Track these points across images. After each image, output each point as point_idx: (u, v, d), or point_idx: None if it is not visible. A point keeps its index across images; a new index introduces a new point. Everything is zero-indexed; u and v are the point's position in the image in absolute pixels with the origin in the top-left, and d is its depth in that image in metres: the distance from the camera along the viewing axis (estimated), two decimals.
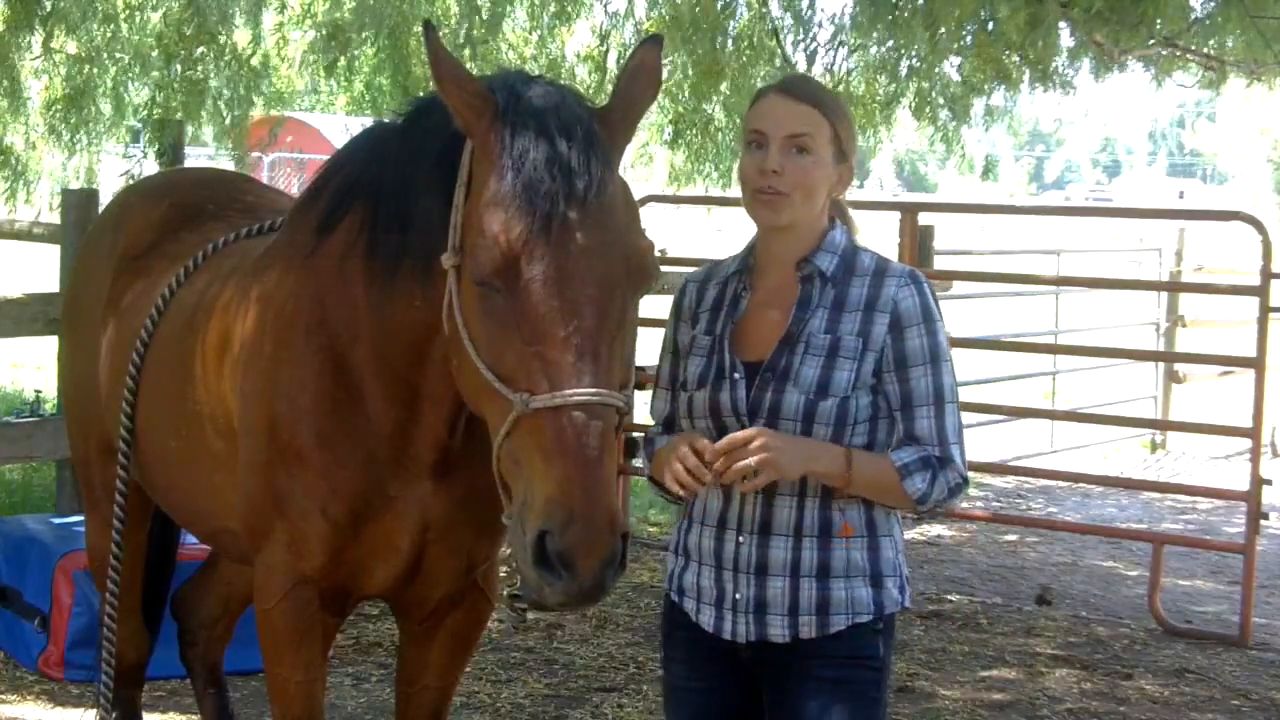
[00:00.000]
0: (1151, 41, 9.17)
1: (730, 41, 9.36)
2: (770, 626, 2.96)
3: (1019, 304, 13.87)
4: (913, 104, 9.79)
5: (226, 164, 10.55)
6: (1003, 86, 9.75)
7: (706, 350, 3.04)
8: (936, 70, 9.22)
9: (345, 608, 3.43)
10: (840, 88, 9.94)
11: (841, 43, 9.67)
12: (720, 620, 3.01)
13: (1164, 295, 12.73)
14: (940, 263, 9.65)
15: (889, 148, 12.93)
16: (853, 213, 3.16)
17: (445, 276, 2.83)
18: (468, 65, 9.01)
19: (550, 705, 5.64)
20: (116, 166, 10.68)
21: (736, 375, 2.97)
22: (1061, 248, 15.29)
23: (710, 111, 10.01)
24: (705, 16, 8.92)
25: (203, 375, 3.56)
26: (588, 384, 2.57)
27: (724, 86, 9.58)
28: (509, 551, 2.66)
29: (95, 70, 9.78)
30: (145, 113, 9.75)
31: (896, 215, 8.52)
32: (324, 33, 9.52)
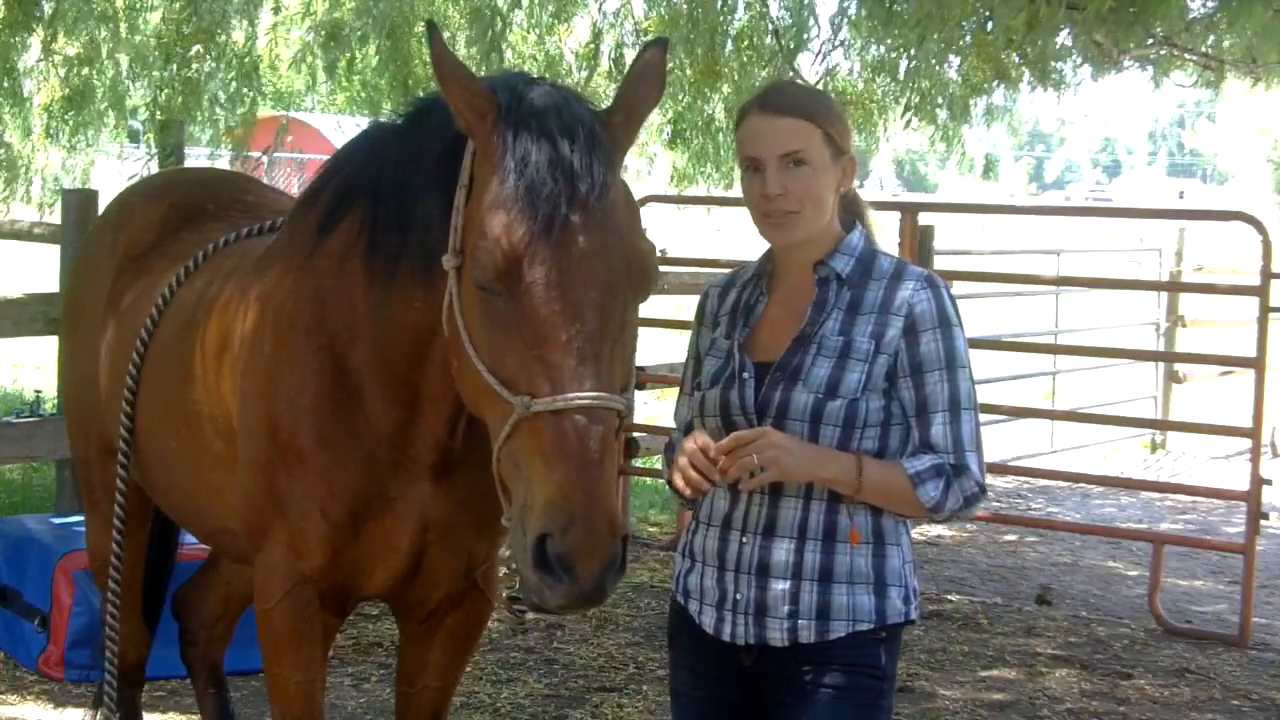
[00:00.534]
0: (1150, 41, 9.17)
1: (730, 41, 9.36)
2: (769, 629, 2.94)
3: (1019, 304, 13.87)
4: (913, 104, 9.79)
5: (224, 164, 10.55)
6: (1002, 86, 9.76)
7: (724, 352, 3.04)
8: (936, 70, 9.21)
9: (345, 608, 3.43)
10: (841, 88, 9.96)
11: (841, 42, 9.67)
12: (720, 622, 2.99)
13: (1164, 295, 12.73)
14: (940, 263, 9.64)
15: (889, 148, 12.92)
16: (871, 210, 3.13)
17: (445, 278, 2.82)
18: (469, 65, 9.03)
19: (550, 705, 5.64)
20: (115, 167, 10.69)
21: (746, 375, 2.97)
22: (1061, 248, 15.30)
23: (711, 112, 10.02)
24: (705, 16, 8.91)
25: (202, 375, 3.56)
26: (589, 387, 2.56)
27: (723, 86, 9.58)
28: (509, 553, 2.66)
29: (94, 71, 9.78)
30: (147, 113, 9.76)
31: (896, 215, 8.52)
32: (324, 33, 9.52)
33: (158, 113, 9.40)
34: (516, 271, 2.61)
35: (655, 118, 10.53)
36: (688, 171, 10.35)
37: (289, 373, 3.22)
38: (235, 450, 3.38)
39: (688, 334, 3.29)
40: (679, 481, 2.85)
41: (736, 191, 9.52)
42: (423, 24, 9.30)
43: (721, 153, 10.20)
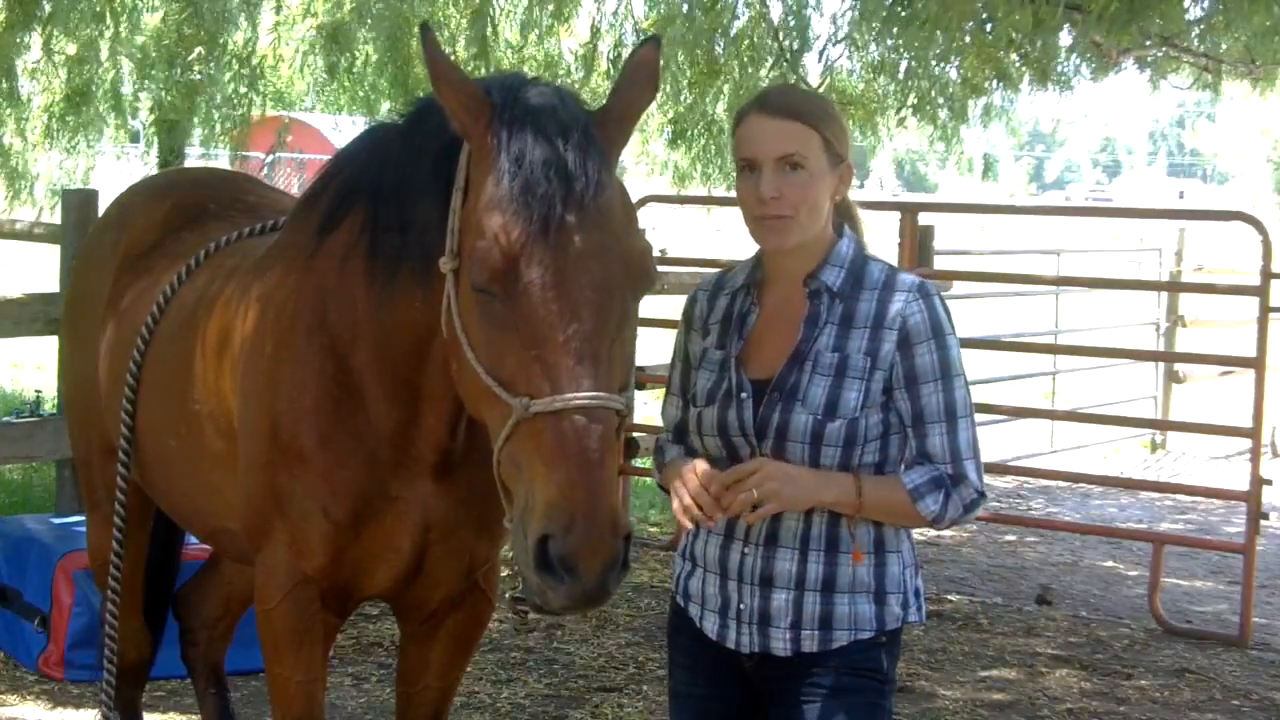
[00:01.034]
0: (1149, 42, 9.17)
1: (730, 41, 9.36)
2: (772, 639, 2.94)
3: (1019, 304, 13.87)
4: (910, 104, 9.80)
5: (224, 164, 10.56)
6: (1001, 86, 9.76)
7: (717, 366, 3.01)
8: (936, 70, 9.21)
9: (346, 608, 3.43)
10: (841, 88, 9.96)
11: (840, 41, 9.67)
12: (724, 629, 3.00)
13: (1164, 295, 12.73)
14: (940, 263, 9.66)
15: (889, 148, 12.93)
16: (861, 212, 3.11)
17: (444, 279, 2.82)
18: (469, 65, 9.02)
19: (550, 705, 5.64)
20: (115, 167, 10.70)
21: (744, 394, 2.94)
22: (1061, 248, 15.30)
23: (711, 112, 10.02)
24: (705, 16, 8.91)
25: (203, 374, 3.56)
26: (588, 387, 2.56)
27: (724, 86, 9.58)
28: (511, 554, 2.65)
29: (94, 71, 9.78)
30: (149, 114, 9.77)
31: (896, 215, 8.52)
32: (324, 34, 9.53)
33: (158, 113, 9.40)
34: (513, 272, 2.60)
35: (656, 118, 10.54)
36: (688, 171, 10.35)
37: (290, 373, 3.22)
38: (236, 450, 3.38)
39: None
40: (682, 518, 2.83)
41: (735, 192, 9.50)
42: (421, 25, 9.33)
43: (723, 153, 10.20)
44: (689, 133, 10.17)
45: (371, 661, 6.03)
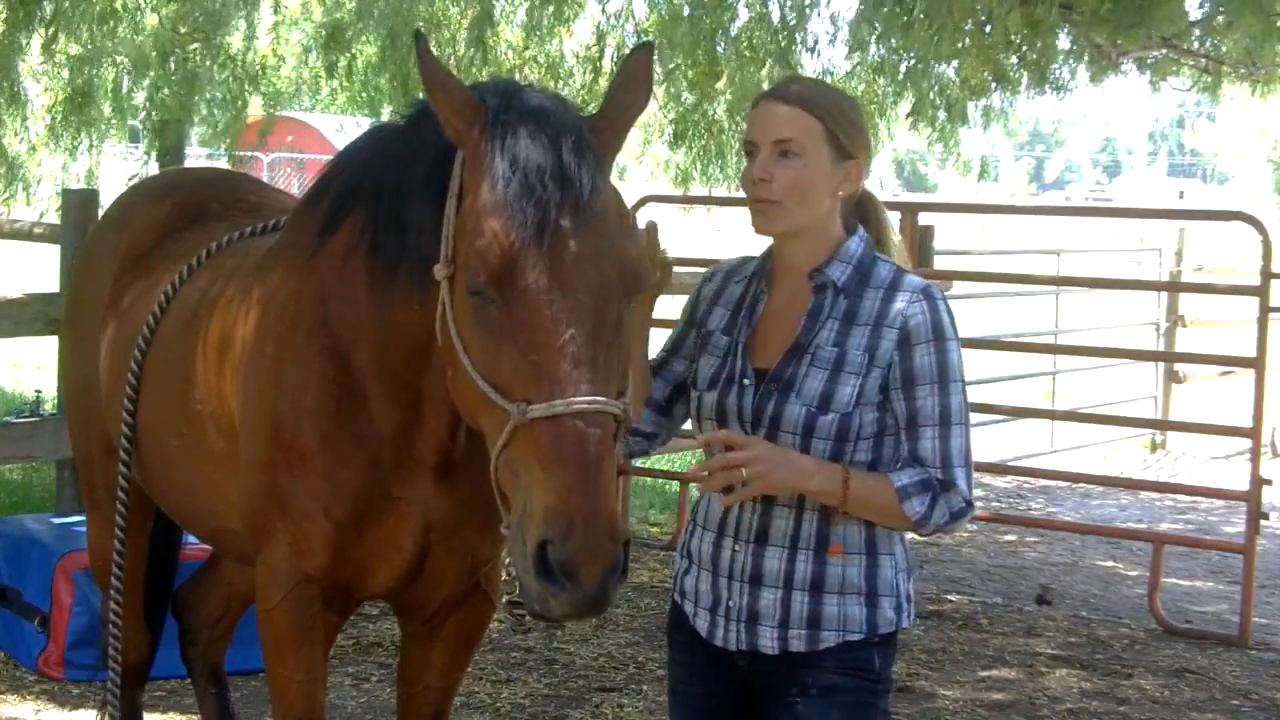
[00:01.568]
0: (1149, 43, 9.18)
1: (730, 42, 9.37)
2: (760, 637, 2.95)
3: (1019, 304, 13.87)
4: (911, 107, 9.81)
5: (223, 164, 10.56)
6: (1000, 88, 9.77)
7: (722, 351, 3.03)
8: (936, 71, 9.22)
9: (347, 608, 3.43)
10: (841, 89, 9.95)
11: (840, 41, 9.69)
12: (714, 626, 3.01)
13: (1164, 295, 12.73)
14: (940, 263, 9.65)
15: (889, 148, 12.94)
16: (885, 214, 3.10)
17: (439, 285, 2.82)
18: (469, 66, 9.01)
19: (550, 705, 5.64)
20: (116, 167, 10.70)
21: (746, 381, 2.95)
22: (1061, 248, 15.29)
23: (712, 113, 10.03)
24: (706, 16, 8.92)
25: (204, 374, 3.56)
26: (585, 392, 2.55)
27: (723, 86, 9.59)
28: (509, 560, 2.65)
29: (95, 72, 9.79)
30: (144, 113, 9.77)
31: (896, 215, 8.52)
32: (324, 33, 9.53)
33: (154, 112, 9.41)
34: (508, 277, 2.60)
35: (658, 118, 10.54)
36: (689, 171, 10.36)
37: (292, 373, 3.22)
38: (237, 450, 3.38)
39: None
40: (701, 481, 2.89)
41: (737, 192, 9.54)
42: (422, 25, 9.33)
43: (724, 153, 10.20)
44: (690, 133, 10.18)
45: (372, 661, 6.03)
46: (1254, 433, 7.28)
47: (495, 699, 5.65)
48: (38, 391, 8.44)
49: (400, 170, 3.02)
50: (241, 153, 11.20)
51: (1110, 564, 8.63)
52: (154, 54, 9.53)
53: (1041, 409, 11.59)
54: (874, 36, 9.07)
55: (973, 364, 11.24)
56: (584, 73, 10.25)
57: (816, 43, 9.64)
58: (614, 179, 2.84)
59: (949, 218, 16.45)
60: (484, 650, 6.01)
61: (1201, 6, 9.33)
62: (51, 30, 9.10)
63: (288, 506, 3.22)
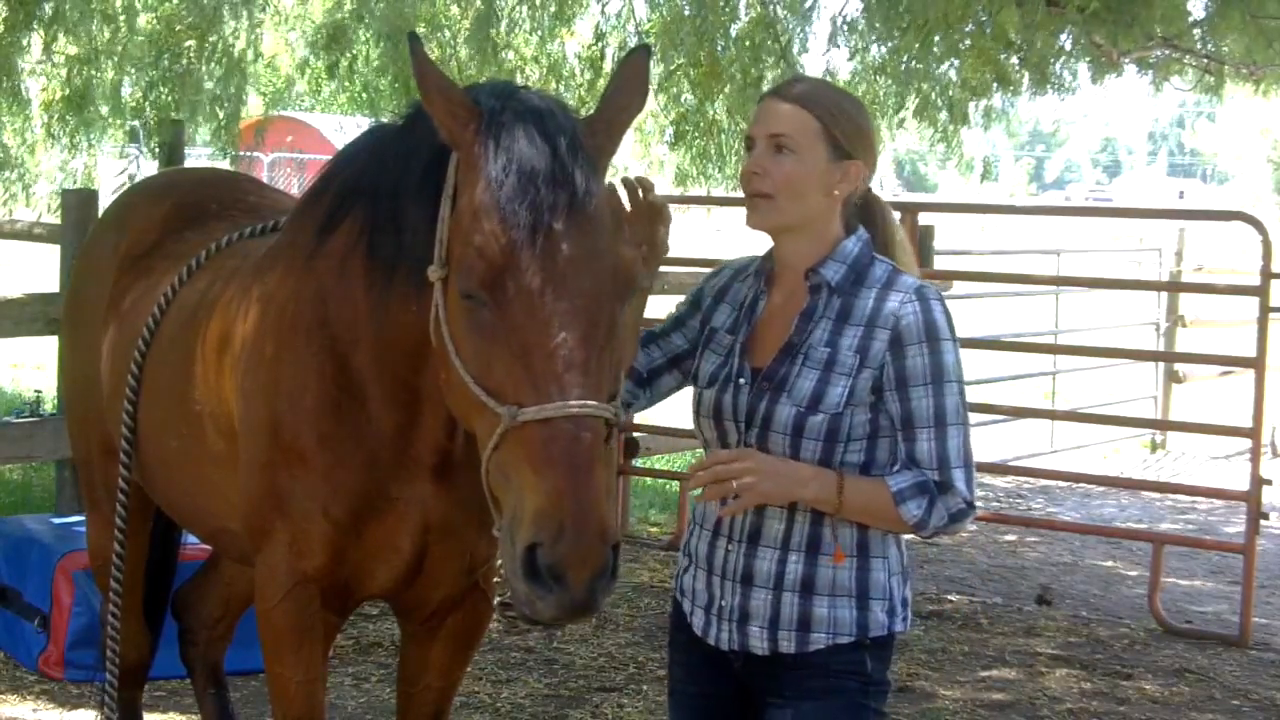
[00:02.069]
0: (1150, 43, 9.18)
1: (731, 42, 9.37)
2: (751, 637, 2.95)
3: (1019, 304, 13.87)
4: (908, 105, 9.81)
5: (221, 163, 10.56)
6: (1000, 89, 9.77)
7: (723, 350, 3.04)
8: (936, 72, 9.22)
9: (347, 608, 3.43)
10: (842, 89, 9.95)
11: (840, 42, 9.68)
12: (708, 625, 3.01)
13: (1164, 295, 12.73)
14: (940, 263, 9.65)
15: (890, 148, 12.95)
16: (890, 215, 3.09)
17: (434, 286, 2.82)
18: (470, 66, 9.01)
19: (550, 705, 5.64)
20: (115, 167, 10.69)
21: (742, 380, 2.96)
22: (1061, 248, 15.29)
23: (712, 113, 10.03)
24: (707, 16, 8.92)
25: (204, 375, 3.56)
26: (577, 395, 2.54)
27: (725, 87, 9.59)
28: (500, 563, 2.65)
29: (94, 71, 9.79)
30: (141, 111, 9.77)
31: (896, 216, 8.51)
32: (325, 34, 9.53)
33: (149, 109, 9.40)
34: (501, 280, 2.60)
35: (658, 119, 10.55)
36: (689, 172, 10.36)
37: (291, 373, 3.22)
38: (237, 450, 3.38)
39: None
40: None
41: (736, 192, 9.53)
42: (422, 26, 9.33)
43: (724, 154, 10.20)
44: (690, 134, 10.18)
45: (371, 661, 6.03)
46: (1254, 433, 7.28)
47: (495, 699, 5.65)
48: (38, 391, 8.45)
49: (398, 171, 3.01)
50: (241, 152, 11.20)
51: (1110, 564, 8.64)
52: (151, 53, 9.53)
53: (1041, 409, 11.59)
54: (875, 38, 9.08)
55: (973, 364, 11.26)
56: (583, 71, 10.25)
57: (818, 39, 9.65)
58: (612, 178, 2.84)
59: (949, 218, 16.46)
60: (484, 650, 6.01)
61: (1205, 7, 9.33)
62: (52, 30, 9.10)
63: (286, 506, 3.22)
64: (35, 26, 9.13)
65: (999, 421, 10.95)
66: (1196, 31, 9.53)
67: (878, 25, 8.77)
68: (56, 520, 6.29)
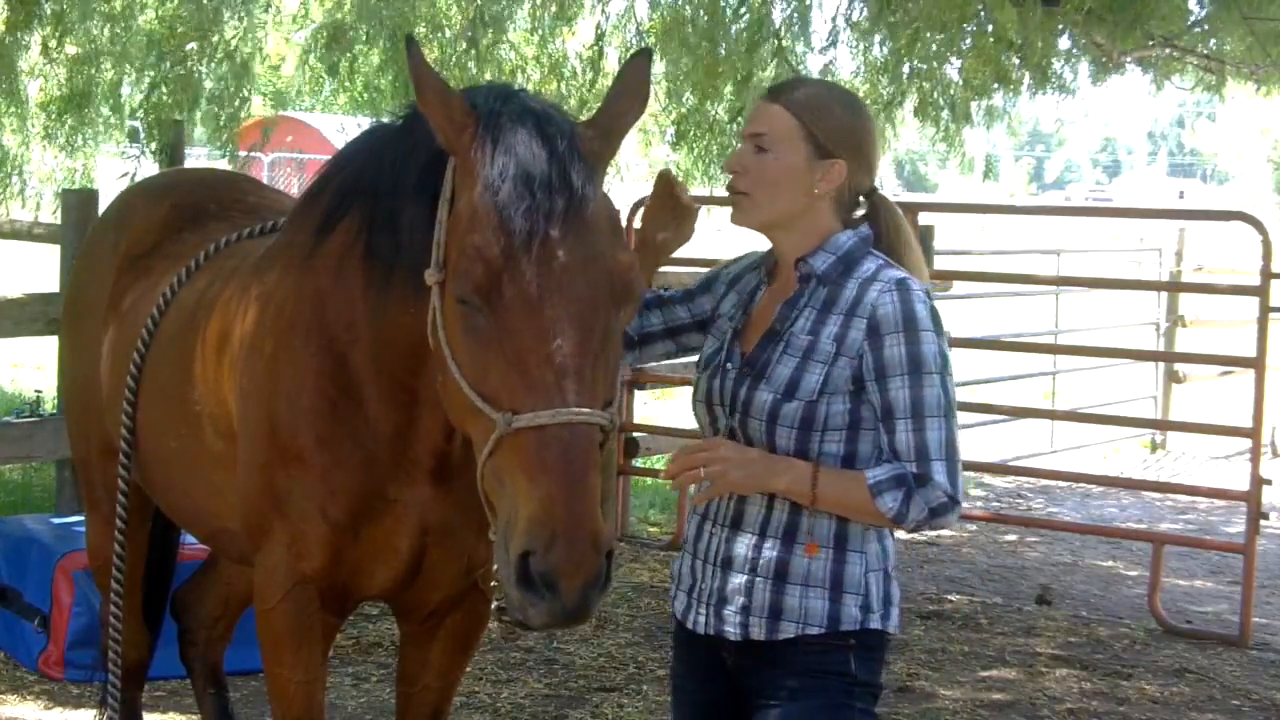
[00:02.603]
0: (1150, 43, 9.18)
1: (732, 42, 9.37)
2: (726, 621, 2.95)
3: (1019, 304, 13.87)
4: (915, 106, 9.81)
5: (221, 164, 10.55)
6: (1001, 89, 9.77)
7: (721, 336, 3.08)
8: (937, 71, 9.22)
9: (345, 608, 3.43)
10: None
11: (841, 42, 9.68)
12: (688, 609, 3.03)
13: (1164, 295, 12.73)
14: (940, 263, 9.62)
15: (891, 148, 12.96)
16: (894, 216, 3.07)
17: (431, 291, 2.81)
18: (470, 66, 9.00)
19: (550, 705, 5.64)
20: (115, 167, 10.69)
21: (729, 366, 3.00)
22: (1061, 248, 15.29)
23: (713, 113, 10.03)
24: (708, 16, 8.92)
25: (203, 375, 3.56)
26: (571, 402, 2.54)
27: (725, 87, 9.59)
28: (495, 568, 2.65)
29: (94, 71, 9.79)
30: (141, 111, 9.76)
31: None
32: (325, 34, 9.53)
33: (150, 111, 9.40)
34: (496, 285, 2.59)
35: (659, 119, 10.54)
36: (690, 172, 10.35)
37: (289, 373, 3.22)
38: (236, 450, 3.38)
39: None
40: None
41: None
42: (423, 25, 9.33)
43: (724, 154, 10.19)
44: (691, 134, 10.18)
45: (371, 661, 6.03)
46: (1254, 433, 7.28)
47: (495, 699, 5.65)
48: (38, 391, 8.44)
49: (396, 171, 3.01)
50: (241, 152, 11.20)
51: (1110, 564, 8.63)
52: (153, 54, 9.53)
53: (1041, 409, 11.59)
54: (880, 37, 9.08)
55: (973, 364, 11.29)
56: (584, 71, 10.24)
57: (819, 39, 9.65)
58: (613, 179, 2.84)
59: (949, 218, 16.46)
60: (484, 650, 6.01)
61: (1203, 6, 9.33)
62: (53, 30, 9.10)
63: (285, 507, 3.22)
64: (35, 26, 9.13)
65: (999, 421, 10.95)
66: (1197, 31, 9.53)
67: (879, 26, 8.77)
68: (56, 520, 6.29)
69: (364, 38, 9.22)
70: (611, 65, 9.90)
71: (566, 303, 2.58)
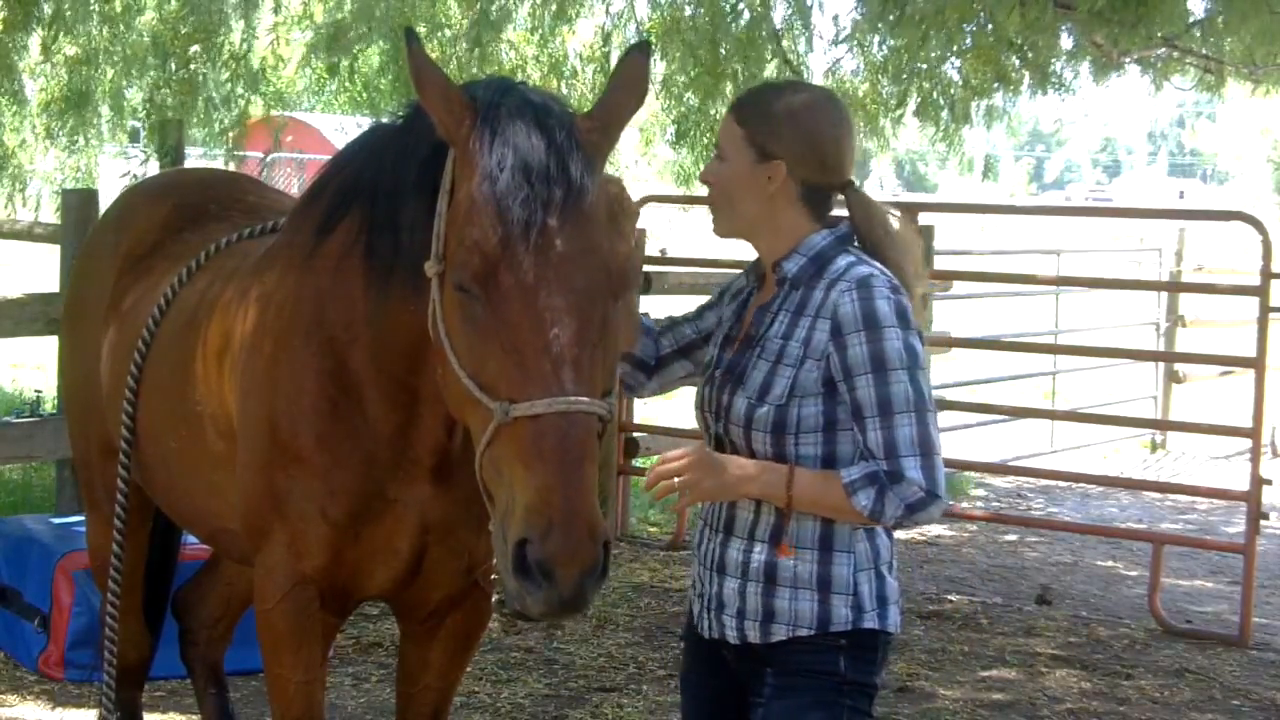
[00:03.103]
0: (1151, 43, 9.17)
1: (732, 42, 9.38)
2: (725, 625, 2.99)
3: (1019, 304, 13.87)
4: (908, 103, 9.82)
5: (221, 164, 10.55)
6: (1002, 89, 9.77)
7: (717, 345, 3.11)
8: (938, 71, 9.23)
9: (345, 608, 3.43)
10: (844, 89, 9.96)
11: (842, 41, 9.69)
12: (699, 614, 3.08)
13: (1164, 295, 12.73)
14: (940, 263, 9.65)
15: (890, 147, 12.97)
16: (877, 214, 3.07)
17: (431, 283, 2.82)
18: (471, 66, 9.01)
19: (550, 705, 5.64)
20: (115, 167, 10.70)
21: (717, 372, 3.03)
22: (1061, 248, 15.30)
23: (714, 113, 10.04)
24: (708, 15, 8.92)
25: (203, 375, 3.56)
26: (569, 392, 2.55)
27: (726, 87, 9.60)
28: (495, 559, 2.66)
29: (94, 71, 9.79)
30: (144, 113, 9.78)
31: (896, 216, 8.51)
32: (326, 34, 9.53)
33: (154, 113, 9.41)
34: (494, 274, 2.60)
35: (659, 118, 10.55)
36: (691, 171, 10.36)
37: (289, 373, 3.22)
38: (235, 450, 3.38)
39: None
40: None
41: None
42: (422, 26, 9.33)
43: None
44: (692, 133, 10.19)
45: (371, 661, 6.03)
46: (1254, 433, 7.28)
47: (495, 699, 5.65)
48: (38, 391, 8.44)
49: (395, 170, 3.02)
50: (241, 153, 11.20)
51: (1110, 564, 8.64)
52: (153, 54, 9.53)
53: (1041, 409, 11.59)
54: (881, 36, 9.08)
55: (973, 364, 11.29)
56: (585, 70, 10.25)
57: (820, 39, 9.65)
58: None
59: (949, 218, 16.49)
60: (484, 650, 6.01)
61: (1206, 7, 9.32)
62: (52, 30, 9.10)
63: (285, 507, 3.22)
64: (35, 26, 9.13)
65: (999, 421, 10.96)
66: (1197, 31, 9.52)
67: (881, 27, 8.77)
68: (56, 520, 6.28)
69: (366, 35, 9.21)
70: (612, 65, 9.91)
71: (564, 292, 2.59)
